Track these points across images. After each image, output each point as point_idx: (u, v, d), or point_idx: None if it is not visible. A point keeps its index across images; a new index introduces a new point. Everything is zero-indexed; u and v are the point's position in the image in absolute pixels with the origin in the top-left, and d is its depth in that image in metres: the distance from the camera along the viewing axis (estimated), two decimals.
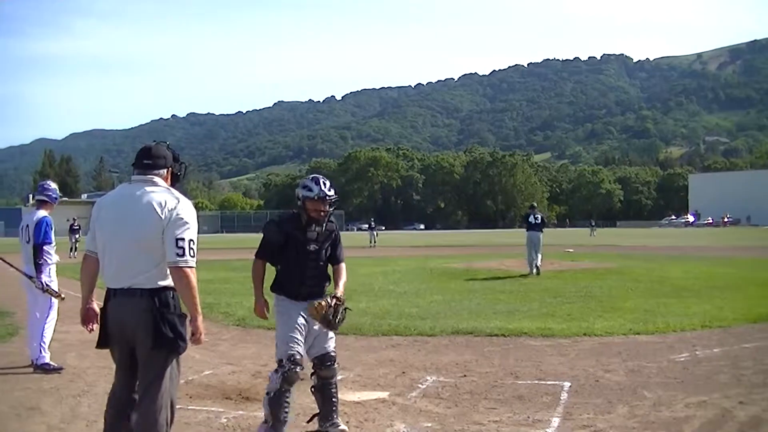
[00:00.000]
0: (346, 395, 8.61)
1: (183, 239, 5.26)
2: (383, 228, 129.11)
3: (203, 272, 27.29)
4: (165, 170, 5.57)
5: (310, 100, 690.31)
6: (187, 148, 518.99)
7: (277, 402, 6.59)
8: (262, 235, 6.93)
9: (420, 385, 9.16)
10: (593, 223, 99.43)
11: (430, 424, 7.48)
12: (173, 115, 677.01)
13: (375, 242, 59.42)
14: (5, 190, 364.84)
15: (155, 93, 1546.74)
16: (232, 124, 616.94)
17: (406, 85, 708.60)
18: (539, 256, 26.29)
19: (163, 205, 5.26)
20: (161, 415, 5.31)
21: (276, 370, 6.65)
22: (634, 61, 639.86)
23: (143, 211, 5.25)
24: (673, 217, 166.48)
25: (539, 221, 27.01)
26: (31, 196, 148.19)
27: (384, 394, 8.71)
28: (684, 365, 10.07)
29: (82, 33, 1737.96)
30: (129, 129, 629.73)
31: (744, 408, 7.76)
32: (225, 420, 7.69)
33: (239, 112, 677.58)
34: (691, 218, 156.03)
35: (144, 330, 5.21)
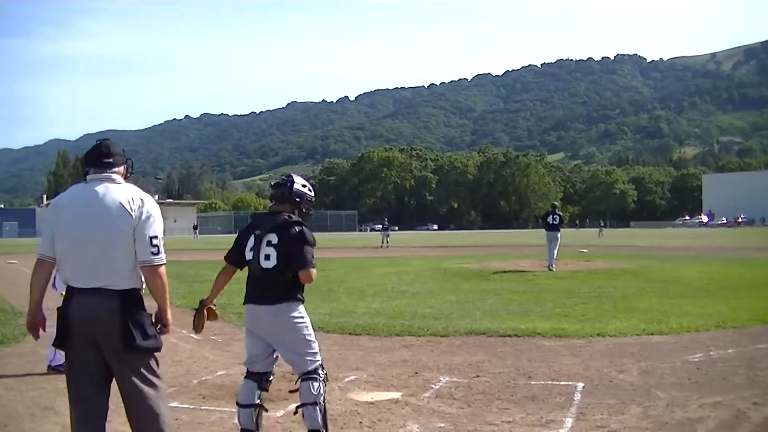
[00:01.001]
0: (359, 395, 8.64)
1: (156, 237, 5.29)
2: (396, 228, 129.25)
3: (216, 272, 27.39)
4: (123, 167, 5.52)
5: (323, 100, 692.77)
6: (200, 149, 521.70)
7: (327, 409, 6.56)
8: (311, 240, 6.55)
9: (433, 386, 9.14)
10: (602, 224, 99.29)
11: (443, 425, 7.47)
12: (187, 116, 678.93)
13: (387, 243, 59.19)
14: (20, 191, 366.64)
15: (169, 94, 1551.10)
16: (245, 125, 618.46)
17: (420, 85, 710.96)
18: (555, 254, 27.63)
19: (132, 202, 5.24)
20: (161, 414, 5.33)
21: (315, 378, 6.44)
22: (648, 61, 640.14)
23: (113, 209, 5.21)
24: (687, 217, 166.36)
25: (557, 221, 28.45)
26: (44, 196, 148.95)
27: (397, 395, 8.70)
28: (698, 366, 10.04)
29: (95, 34, 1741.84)
30: (143, 130, 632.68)
31: (758, 409, 7.73)
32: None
33: (252, 112, 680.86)
34: (704, 218, 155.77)
35: (114, 332, 5.16)
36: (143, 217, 5.24)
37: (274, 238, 6.47)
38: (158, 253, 5.29)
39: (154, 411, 5.29)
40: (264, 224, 6.63)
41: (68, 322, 5.27)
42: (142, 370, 5.28)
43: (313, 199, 6.93)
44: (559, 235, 28.35)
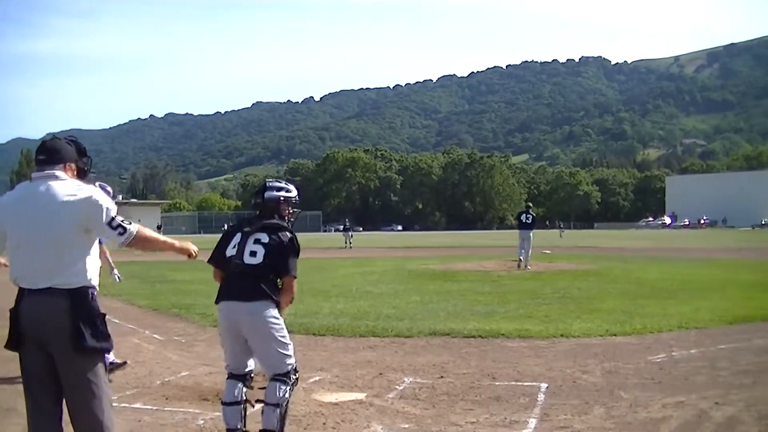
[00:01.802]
0: (323, 396, 8.62)
1: (113, 219, 5.20)
2: (360, 229, 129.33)
3: (184, 273, 27.44)
4: (63, 165, 5.34)
5: (288, 100, 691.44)
6: (165, 149, 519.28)
7: (287, 412, 6.58)
8: (298, 250, 6.61)
9: (397, 386, 9.15)
10: (561, 225, 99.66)
11: (407, 426, 7.47)
12: (151, 115, 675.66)
13: (351, 244, 59.24)
14: None
15: (133, 93, 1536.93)
16: (210, 125, 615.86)
17: (385, 86, 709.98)
18: (529, 252, 29.08)
19: (73, 196, 5.13)
20: (105, 417, 5.18)
21: (286, 381, 6.45)
22: (613, 63, 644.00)
23: (55, 206, 5.10)
24: (650, 218, 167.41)
25: (530, 221, 29.74)
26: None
27: (361, 396, 8.69)
28: (661, 366, 10.11)
29: (59, 32, 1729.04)
30: (107, 129, 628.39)
31: (720, 408, 7.79)
32: (202, 422, 7.65)
33: (218, 112, 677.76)
34: (667, 220, 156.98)
35: (64, 333, 5.02)
36: (90, 209, 5.15)
37: (264, 237, 6.48)
38: (125, 231, 5.21)
39: (97, 418, 5.16)
40: (253, 224, 6.63)
41: (19, 324, 5.16)
42: (89, 375, 5.14)
43: (295, 200, 6.95)
44: (531, 234, 29.54)
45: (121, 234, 5.21)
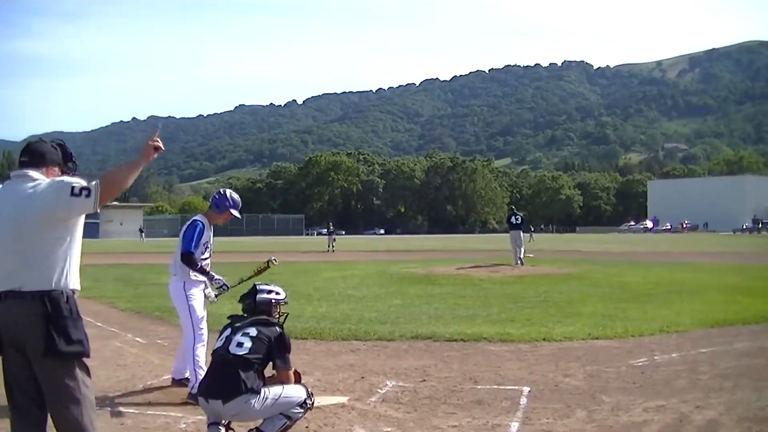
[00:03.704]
0: None
1: (74, 188, 4.98)
2: (343, 232, 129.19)
3: (167, 276, 27.16)
4: (45, 168, 5.28)
5: (271, 104, 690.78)
6: None
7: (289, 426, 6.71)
8: (289, 345, 6.93)
9: (379, 390, 9.16)
10: (533, 229, 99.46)
11: (389, 429, 7.49)
12: (133, 118, 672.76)
13: (333, 247, 59.14)
14: None
15: (116, 95, 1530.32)
16: (193, 128, 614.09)
17: (368, 89, 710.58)
18: (521, 249, 32.22)
19: (34, 189, 5.07)
20: (86, 420, 5.07)
21: (302, 405, 6.69)
22: (595, 67, 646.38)
23: (18, 203, 5.05)
24: (632, 222, 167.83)
25: (520, 221, 32.28)
26: None
27: (343, 399, 8.69)
28: (642, 370, 10.14)
29: (41, 33, 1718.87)
30: (89, 131, 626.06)
31: (701, 412, 7.83)
32: (184, 425, 7.64)
33: (200, 115, 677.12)
34: (649, 224, 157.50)
35: (34, 337, 4.93)
36: (55, 189, 5.04)
37: (252, 331, 6.66)
38: (89, 191, 4.97)
39: (78, 422, 5.05)
40: (244, 320, 6.88)
41: None
42: (66, 380, 5.04)
43: (284, 301, 7.28)
44: (521, 233, 32.55)
45: (87, 196, 5.00)
